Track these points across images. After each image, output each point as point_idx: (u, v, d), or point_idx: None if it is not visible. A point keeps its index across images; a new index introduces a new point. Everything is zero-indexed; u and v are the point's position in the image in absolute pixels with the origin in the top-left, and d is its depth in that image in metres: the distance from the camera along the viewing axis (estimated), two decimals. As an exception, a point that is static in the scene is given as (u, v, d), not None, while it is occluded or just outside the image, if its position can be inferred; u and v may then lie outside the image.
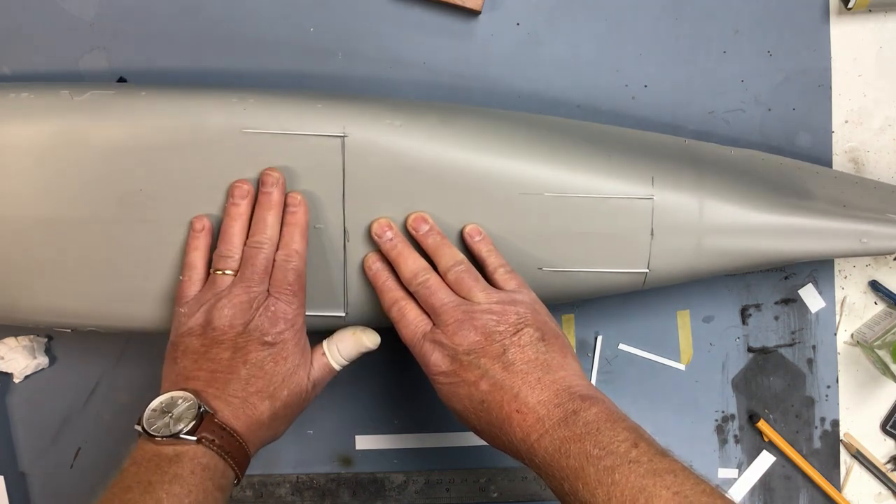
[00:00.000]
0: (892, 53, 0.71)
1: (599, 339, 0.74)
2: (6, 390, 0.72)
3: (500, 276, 0.58)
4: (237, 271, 0.57)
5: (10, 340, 0.71)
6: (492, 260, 0.59)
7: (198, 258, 0.58)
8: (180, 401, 0.52)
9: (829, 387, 0.75)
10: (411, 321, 0.57)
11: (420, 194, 0.59)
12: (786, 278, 0.74)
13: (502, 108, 0.68)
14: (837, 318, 0.74)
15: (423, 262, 0.58)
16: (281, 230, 0.58)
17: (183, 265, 0.59)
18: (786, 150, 0.72)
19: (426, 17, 0.69)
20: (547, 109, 0.71)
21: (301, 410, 0.59)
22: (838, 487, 0.75)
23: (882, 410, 0.75)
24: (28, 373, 0.72)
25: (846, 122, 0.72)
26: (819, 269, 0.74)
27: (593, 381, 0.74)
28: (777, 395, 0.75)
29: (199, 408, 0.52)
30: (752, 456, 0.75)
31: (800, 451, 0.75)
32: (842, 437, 0.75)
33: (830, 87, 0.72)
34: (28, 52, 0.68)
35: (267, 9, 0.69)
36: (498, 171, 0.59)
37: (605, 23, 0.70)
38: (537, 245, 0.61)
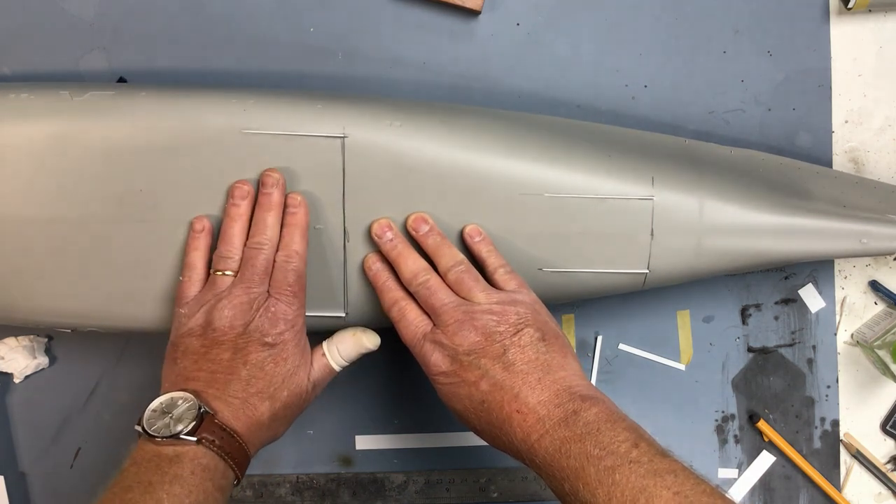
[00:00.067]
0: (892, 53, 0.71)
1: (599, 339, 0.74)
2: (6, 390, 0.72)
3: (500, 276, 0.58)
4: (237, 272, 0.57)
5: (10, 340, 0.71)
6: (492, 260, 0.59)
7: (198, 259, 0.58)
8: (180, 401, 0.52)
9: (829, 387, 0.75)
10: (411, 321, 0.57)
11: (420, 195, 0.59)
12: (786, 278, 0.74)
13: (502, 108, 0.68)
14: (837, 318, 0.74)
15: (423, 263, 0.58)
16: (281, 231, 0.58)
17: (183, 266, 0.59)
18: (786, 150, 0.72)
19: (426, 17, 0.69)
20: (547, 109, 0.71)
21: (301, 411, 0.59)
22: (838, 487, 0.75)
23: (882, 410, 0.75)
24: (28, 373, 0.72)
25: (846, 122, 0.72)
26: (819, 269, 0.74)
27: (593, 381, 0.74)
28: (777, 395, 0.75)
29: (200, 408, 0.52)
30: (752, 456, 0.75)
31: (800, 451, 0.75)
32: (842, 437, 0.75)
33: (830, 87, 0.72)
34: (28, 52, 0.68)
35: (267, 9, 0.68)
36: (498, 171, 0.59)
37: (605, 23, 0.70)
38: (537, 245, 0.61)
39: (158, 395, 0.53)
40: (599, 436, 0.49)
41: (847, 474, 0.75)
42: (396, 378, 0.74)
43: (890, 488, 0.75)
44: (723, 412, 0.75)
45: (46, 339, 0.72)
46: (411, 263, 0.58)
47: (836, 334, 0.75)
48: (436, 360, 0.55)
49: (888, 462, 0.75)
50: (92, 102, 0.58)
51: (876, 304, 0.74)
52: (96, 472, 0.73)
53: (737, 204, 0.62)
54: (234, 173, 0.58)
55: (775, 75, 0.71)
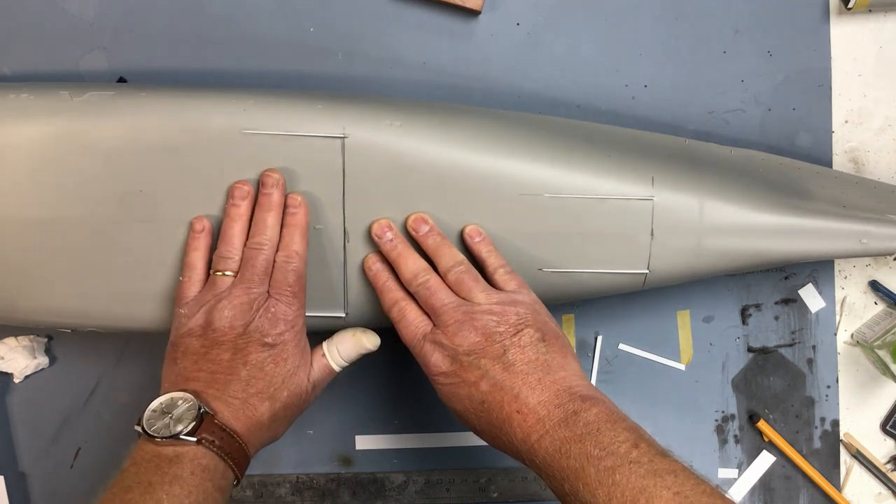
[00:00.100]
0: (892, 53, 0.71)
1: (599, 339, 0.74)
2: (6, 390, 0.72)
3: (500, 276, 0.58)
4: (237, 272, 0.57)
5: (10, 340, 0.71)
6: (492, 260, 0.59)
7: (198, 259, 0.58)
8: (180, 402, 0.52)
9: (829, 387, 0.75)
10: (411, 322, 0.57)
11: (420, 195, 0.59)
12: (786, 278, 0.74)
13: (502, 108, 0.68)
14: (837, 318, 0.74)
15: (423, 263, 0.58)
16: (281, 231, 0.58)
17: (183, 266, 0.59)
18: (786, 150, 0.72)
19: (426, 17, 0.69)
20: (547, 109, 0.71)
21: (301, 412, 0.59)
22: (838, 487, 0.75)
23: (882, 410, 0.75)
24: (28, 373, 0.71)
25: (846, 122, 0.72)
26: (819, 269, 0.74)
27: (593, 381, 0.74)
28: (777, 395, 0.75)
29: (199, 409, 0.52)
30: (752, 456, 0.75)
31: (800, 451, 0.75)
32: (842, 437, 0.75)
33: (830, 87, 0.72)
34: (28, 52, 0.68)
35: (267, 9, 0.68)
36: (498, 171, 0.59)
37: (605, 23, 0.70)
38: (537, 245, 0.61)
39: (158, 396, 0.53)
40: (599, 436, 0.49)
41: (847, 474, 0.75)
42: (396, 378, 0.74)
43: (890, 488, 0.75)
44: (723, 412, 0.75)
45: (46, 339, 0.72)
46: (411, 264, 0.58)
47: (836, 334, 0.75)
48: (436, 360, 0.55)
49: (888, 462, 0.75)
50: (92, 102, 0.58)
51: (876, 304, 0.74)
52: (96, 472, 0.73)
53: (737, 204, 0.62)
54: (234, 173, 0.58)
55: (775, 75, 0.71)
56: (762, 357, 0.74)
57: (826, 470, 0.75)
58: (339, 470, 0.74)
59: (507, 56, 0.70)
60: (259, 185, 0.58)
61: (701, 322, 0.74)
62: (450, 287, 0.57)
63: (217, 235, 0.59)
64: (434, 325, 0.56)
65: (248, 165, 0.58)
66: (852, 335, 0.74)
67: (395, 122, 0.59)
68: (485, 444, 0.56)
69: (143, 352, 0.72)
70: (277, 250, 0.58)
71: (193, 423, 0.51)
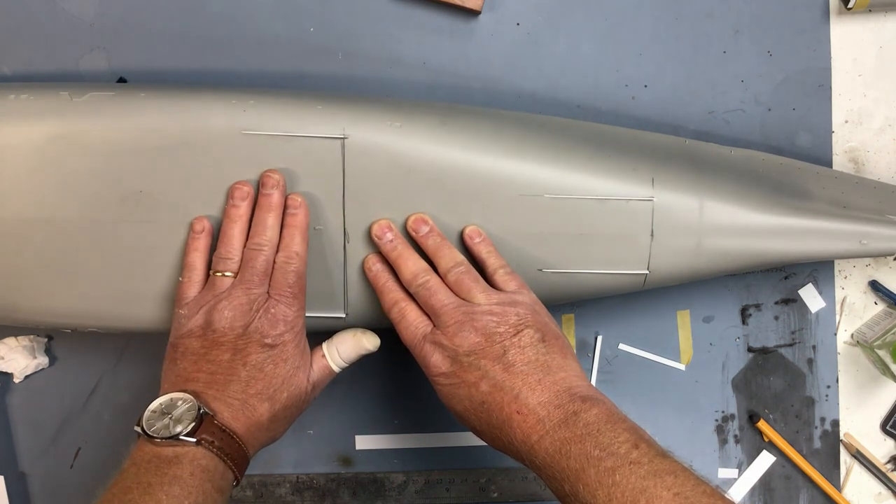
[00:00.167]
0: (892, 53, 0.71)
1: (599, 339, 0.74)
2: (6, 390, 0.72)
3: (500, 277, 0.58)
4: (237, 273, 0.57)
5: (10, 340, 0.71)
6: (492, 261, 0.59)
7: (197, 259, 0.58)
8: (180, 402, 0.52)
9: (829, 387, 0.75)
10: (411, 322, 0.57)
11: (420, 195, 0.59)
12: (786, 278, 0.74)
13: (502, 108, 0.68)
14: (837, 318, 0.74)
15: (423, 264, 0.58)
16: (281, 232, 0.58)
17: (182, 266, 0.59)
18: (786, 150, 0.72)
19: (426, 17, 0.69)
20: (547, 109, 0.71)
21: (300, 412, 0.59)
22: (838, 487, 0.75)
23: (882, 410, 0.75)
24: (28, 373, 0.72)
25: (846, 122, 0.72)
26: (819, 269, 0.74)
27: (593, 381, 0.74)
28: (777, 395, 0.75)
29: (199, 409, 0.52)
30: (752, 456, 0.75)
31: (800, 451, 0.75)
32: (842, 437, 0.75)
33: (830, 87, 0.72)
34: (28, 52, 0.68)
35: (267, 9, 0.68)
36: (498, 172, 0.59)
37: (605, 22, 0.70)
38: (537, 246, 0.61)
39: (158, 396, 0.53)
40: (600, 437, 0.49)
41: (847, 474, 0.75)
42: (396, 378, 0.74)
43: (890, 488, 0.75)
44: (723, 412, 0.75)
45: (46, 339, 0.72)
46: (411, 264, 0.58)
47: (836, 334, 0.75)
48: (436, 360, 0.55)
49: (888, 462, 0.75)
50: (92, 103, 0.58)
51: (876, 304, 0.74)
52: (96, 472, 0.73)
53: (737, 204, 0.62)
54: (234, 174, 0.58)
55: (775, 75, 0.71)
56: (762, 357, 0.74)
57: (826, 470, 0.75)
58: (339, 470, 0.74)
59: (507, 56, 0.70)
60: (259, 186, 0.58)
61: (701, 322, 0.74)
62: (450, 288, 0.57)
63: (217, 236, 0.59)
64: (434, 326, 0.56)
65: (248, 166, 0.58)
66: (852, 335, 0.74)
67: (395, 123, 0.59)
68: (485, 444, 0.56)
69: (143, 352, 0.72)
70: (277, 251, 0.58)
71: (193, 423, 0.51)
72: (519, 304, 0.56)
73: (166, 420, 0.51)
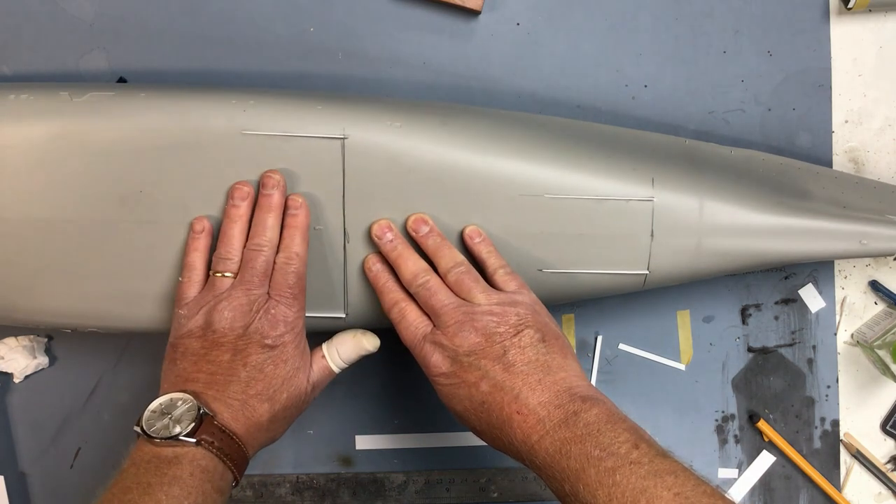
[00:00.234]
0: (892, 53, 0.71)
1: (599, 339, 0.74)
2: (6, 390, 0.72)
3: (500, 277, 0.58)
4: (237, 273, 0.57)
5: (10, 340, 0.71)
6: (492, 261, 0.59)
7: (197, 259, 0.58)
8: (180, 402, 0.52)
9: (829, 387, 0.75)
10: (412, 322, 0.57)
11: (420, 195, 0.59)
12: (786, 278, 0.74)
13: (502, 108, 0.68)
14: (837, 318, 0.74)
15: (423, 264, 0.58)
16: (281, 232, 0.58)
17: (182, 266, 0.59)
18: (786, 150, 0.72)
19: (426, 17, 0.69)
20: (547, 109, 0.71)
21: (300, 413, 0.59)
22: (838, 487, 0.75)
23: (882, 410, 0.75)
24: (28, 373, 0.72)
25: (846, 122, 0.72)
26: (819, 269, 0.74)
27: (593, 381, 0.74)
28: (777, 395, 0.75)
29: (199, 410, 0.52)
30: (752, 456, 0.75)
31: (800, 451, 0.75)
32: (842, 437, 0.75)
33: (830, 87, 0.72)
34: (28, 52, 0.68)
35: (267, 9, 0.68)
36: (498, 172, 0.59)
37: (605, 22, 0.70)
38: (537, 246, 0.61)
39: (158, 396, 0.53)
40: (600, 437, 0.49)
41: (847, 474, 0.75)
42: (396, 378, 0.74)
43: (890, 488, 0.75)
44: (723, 412, 0.75)
45: (46, 339, 0.72)
46: (411, 264, 0.58)
47: (836, 334, 0.75)
48: (436, 361, 0.55)
49: (888, 462, 0.75)
50: (92, 103, 0.58)
51: (876, 304, 0.74)
52: (96, 472, 0.73)
53: (737, 204, 0.62)
54: (234, 174, 0.58)
55: (775, 75, 0.71)
56: (762, 357, 0.74)
57: (826, 470, 0.75)
58: (339, 470, 0.74)
59: (507, 56, 0.70)
60: (259, 186, 0.58)
61: (701, 322, 0.74)
62: (450, 288, 0.57)
63: (217, 236, 0.59)
64: (434, 326, 0.56)
65: (248, 166, 0.58)
66: (852, 335, 0.74)
67: (395, 123, 0.59)
68: (485, 444, 0.56)
69: (143, 352, 0.72)
70: (277, 252, 0.58)
71: (193, 424, 0.51)
72: (519, 304, 0.56)
73: (166, 420, 0.51)
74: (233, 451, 0.52)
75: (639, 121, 0.71)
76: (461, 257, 0.58)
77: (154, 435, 0.51)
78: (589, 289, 0.63)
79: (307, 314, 0.59)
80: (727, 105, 0.71)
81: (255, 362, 0.55)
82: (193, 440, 0.51)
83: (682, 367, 0.74)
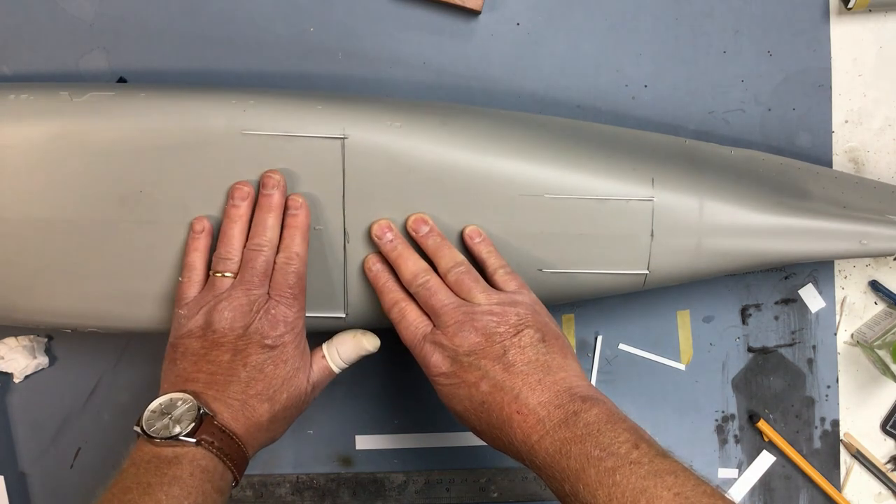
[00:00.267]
0: (892, 53, 0.71)
1: (599, 339, 0.74)
2: (6, 390, 0.72)
3: (500, 277, 0.58)
4: (237, 273, 0.57)
5: (10, 340, 0.71)
6: (492, 261, 0.59)
7: (197, 259, 0.58)
8: (180, 402, 0.52)
9: (829, 387, 0.75)
10: (412, 322, 0.57)
11: (420, 195, 0.59)
12: (786, 278, 0.74)
13: (502, 108, 0.68)
14: (837, 318, 0.74)
15: (423, 264, 0.58)
16: (281, 233, 0.58)
17: (182, 266, 0.59)
18: (786, 150, 0.72)
19: (426, 17, 0.69)
20: (547, 109, 0.71)
21: (300, 413, 0.59)
22: (838, 487, 0.75)
23: (882, 410, 0.75)
24: (28, 373, 0.72)
25: (846, 122, 0.72)
26: (819, 269, 0.74)
27: (593, 381, 0.74)
28: (777, 395, 0.75)
29: (199, 410, 0.52)
30: (752, 456, 0.75)
31: (800, 451, 0.75)
32: (842, 437, 0.75)
33: (830, 87, 0.72)
34: (28, 52, 0.68)
35: (267, 9, 0.68)
36: (498, 172, 0.59)
37: (605, 23, 0.70)
38: (537, 246, 0.61)
39: (158, 396, 0.53)
40: (600, 437, 0.49)
41: (847, 474, 0.75)
42: (396, 378, 0.74)
43: (890, 488, 0.75)
44: (723, 412, 0.75)
45: (46, 339, 0.72)
46: (411, 264, 0.58)
47: (836, 334, 0.75)
48: (436, 360, 0.55)
49: (888, 462, 0.75)
50: (92, 103, 0.58)
51: (876, 304, 0.74)
52: (96, 472, 0.73)
53: (737, 204, 0.62)
54: (234, 174, 0.58)
55: (775, 75, 0.71)
56: (762, 357, 0.74)
57: (826, 470, 0.75)
58: (339, 470, 0.74)
59: (507, 56, 0.70)
60: (260, 186, 0.58)
61: (701, 322, 0.74)
62: (450, 288, 0.57)
63: (217, 236, 0.58)
64: (434, 326, 0.56)
65: (248, 166, 0.58)
66: (852, 335, 0.74)
67: (395, 123, 0.59)
68: (485, 444, 0.56)
69: (143, 352, 0.72)
70: (278, 252, 0.58)
71: (193, 424, 0.51)
72: (519, 304, 0.56)
73: (166, 420, 0.51)
74: (233, 451, 0.52)
75: (639, 121, 0.71)
76: (461, 257, 0.58)
77: (154, 435, 0.51)
78: (589, 289, 0.63)
79: (307, 314, 0.59)
80: (727, 105, 0.71)
81: (255, 362, 0.55)
82: (193, 440, 0.51)
83: (682, 367, 0.74)
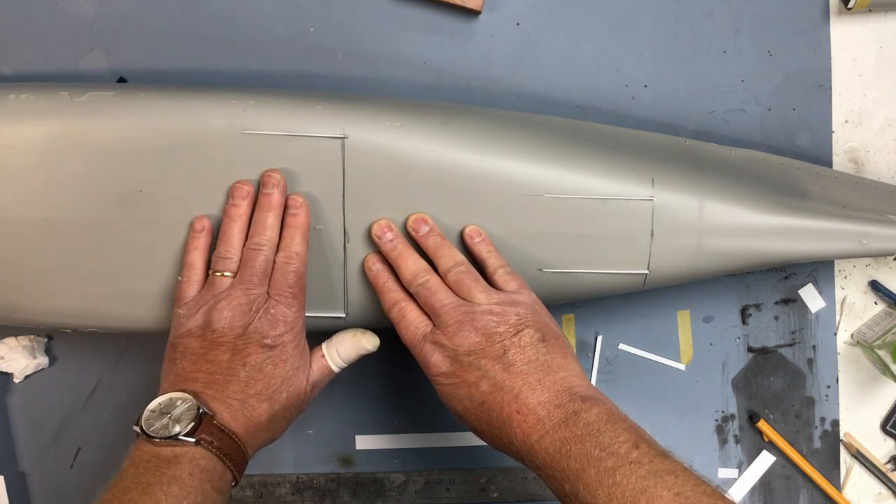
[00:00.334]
0: (892, 53, 0.71)
1: (599, 339, 0.74)
2: (6, 390, 0.72)
3: (500, 276, 0.58)
4: (236, 273, 0.57)
5: (10, 340, 0.71)
6: (492, 261, 0.59)
7: (197, 258, 0.58)
8: (179, 402, 0.52)
9: (829, 387, 0.75)
10: (412, 322, 0.57)
11: (420, 195, 0.59)
12: (786, 278, 0.74)
13: (502, 108, 0.68)
14: (837, 318, 0.74)
15: (423, 264, 0.58)
16: (281, 232, 0.58)
17: (182, 265, 0.59)
18: (786, 150, 0.72)
19: (426, 17, 0.69)
20: (547, 109, 0.71)
21: (300, 412, 0.59)
22: (838, 487, 0.75)
23: (882, 410, 0.75)
24: (28, 373, 0.72)
25: (846, 122, 0.72)
26: (819, 269, 0.74)
27: (593, 381, 0.74)
28: (777, 395, 0.75)
29: (198, 409, 0.52)
30: (752, 456, 0.75)
31: (800, 451, 0.75)
32: (842, 437, 0.75)
33: (830, 87, 0.72)
34: (28, 52, 0.68)
35: (267, 9, 0.68)
36: (498, 171, 0.59)
37: (605, 23, 0.70)
38: (537, 246, 0.61)
39: (157, 396, 0.53)
40: (600, 436, 0.49)
41: (847, 474, 0.75)
42: (396, 378, 0.74)
43: (890, 488, 0.75)
44: (723, 412, 0.75)
45: (46, 339, 0.72)
46: (411, 264, 0.58)
47: (836, 334, 0.75)
48: (436, 360, 0.55)
49: (888, 462, 0.75)
50: (92, 102, 0.58)
51: (876, 304, 0.74)
52: (96, 472, 0.73)
53: (737, 204, 0.62)
54: (234, 174, 0.58)
55: (775, 75, 0.71)
56: (762, 357, 0.74)
57: (826, 470, 0.75)
58: (339, 470, 0.74)
59: (507, 56, 0.70)
60: (260, 186, 0.58)
61: (701, 322, 0.74)
62: (450, 287, 0.57)
63: (217, 235, 0.58)
64: (434, 326, 0.56)
65: (248, 166, 0.58)
66: (852, 335, 0.74)
67: (395, 123, 0.59)
68: (485, 444, 0.56)
69: (143, 352, 0.72)
70: (277, 251, 0.57)
71: (192, 423, 0.51)
72: (519, 303, 0.56)
73: (165, 420, 0.51)
74: (232, 451, 0.52)
75: (639, 121, 0.71)
76: (461, 257, 0.58)
77: (153, 435, 0.51)
78: (589, 289, 0.63)
79: (307, 314, 0.59)
80: (727, 105, 0.71)
81: (255, 362, 0.55)
82: (193, 440, 0.51)
83: (682, 367, 0.74)
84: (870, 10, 0.70)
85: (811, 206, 0.63)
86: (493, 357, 0.53)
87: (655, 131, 0.69)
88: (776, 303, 0.74)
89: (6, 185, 0.58)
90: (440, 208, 0.59)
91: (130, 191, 0.58)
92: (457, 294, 0.56)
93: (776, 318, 0.74)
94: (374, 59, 0.69)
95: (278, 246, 0.58)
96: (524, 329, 0.54)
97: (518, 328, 0.54)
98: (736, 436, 0.75)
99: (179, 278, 0.58)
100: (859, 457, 0.75)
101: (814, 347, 0.74)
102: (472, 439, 0.74)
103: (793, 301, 0.74)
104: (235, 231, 0.57)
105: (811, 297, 0.74)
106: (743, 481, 0.75)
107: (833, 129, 0.72)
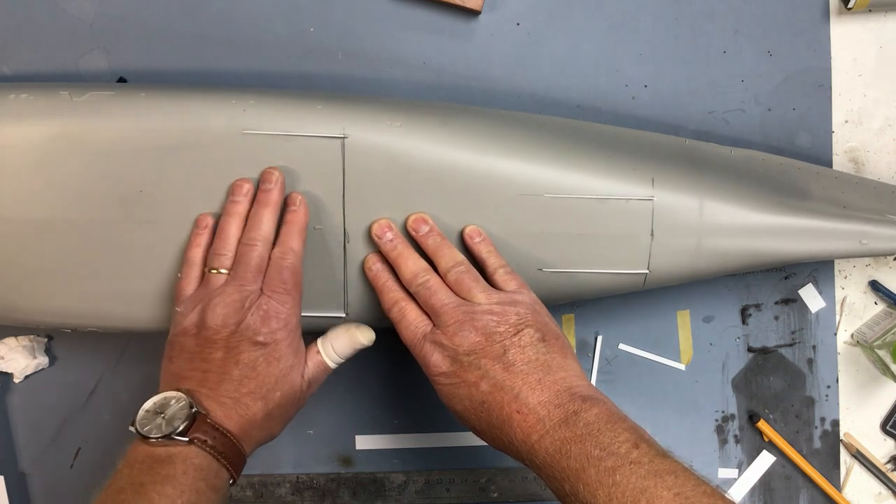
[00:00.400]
0: (892, 53, 0.71)
1: (599, 339, 0.74)
2: (6, 390, 0.72)
3: (500, 276, 0.58)
4: (231, 269, 0.57)
5: (10, 340, 0.71)
6: (492, 261, 0.59)
7: (197, 255, 0.58)
8: (173, 401, 0.52)
9: (829, 387, 0.75)
10: (412, 322, 0.57)
11: (420, 195, 0.59)
12: (786, 278, 0.74)
13: (502, 108, 0.68)
14: (837, 318, 0.74)
15: (423, 263, 0.58)
16: (279, 229, 0.58)
17: (182, 262, 0.59)
18: (786, 150, 0.72)
19: (426, 17, 0.69)
20: (547, 109, 0.71)
21: (297, 410, 0.59)
22: (838, 487, 0.75)
23: (882, 410, 0.75)
24: (28, 373, 0.72)
25: (846, 122, 0.72)
26: (819, 269, 0.74)
27: (593, 381, 0.74)
28: (777, 395, 0.75)
29: (192, 408, 0.51)
30: (752, 456, 0.75)
31: (800, 451, 0.75)
32: (842, 437, 0.75)
33: (830, 87, 0.72)
34: (28, 52, 0.68)
35: (267, 9, 0.68)
36: (498, 171, 0.59)
37: (605, 23, 0.70)
38: (537, 246, 0.61)
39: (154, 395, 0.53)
40: (600, 436, 0.49)
41: (847, 474, 0.75)
42: (396, 378, 0.74)
43: (890, 488, 0.75)
44: (723, 412, 0.75)
45: (46, 339, 0.72)
46: (411, 264, 0.58)
47: (836, 334, 0.75)
48: (436, 360, 0.55)
49: (888, 462, 0.75)
50: (92, 102, 0.58)
51: (876, 304, 0.74)
52: (96, 472, 0.73)
53: (737, 204, 0.62)
54: (235, 174, 0.58)
55: (775, 75, 0.71)
56: (762, 357, 0.74)
57: (826, 470, 0.75)
58: (339, 470, 0.74)
59: (507, 56, 0.70)
60: (259, 183, 0.58)
61: (701, 322, 0.74)
62: (450, 287, 0.57)
63: (217, 234, 0.59)
64: (434, 326, 0.56)
65: (248, 166, 0.58)
66: (852, 335, 0.74)
67: (395, 123, 0.59)
68: (485, 444, 0.56)
69: (143, 352, 0.72)
70: (274, 247, 0.57)
71: (186, 422, 0.51)
72: (519, 303, 0.56)
73: (159, 420, 0.51)
74: (227, 449, 0.52)
75: (639, 121, 0.71)
76: (461, 257, 0.58)
77: (148, 435, 0.51)
78: (589, 288, 0.63)
79: (307, 314, 0.59)
80: (727, 105, 0.71)
81: (247, 360, 0.55)
82: (186, 439, 0.50)
83: (682, 367, 0.74)
84: (870, 10, 0.70)
85: (811, 206, 0.63)
86: (493, 357, 0.53)
87: (655, 131, 0.69)
88: (776, 303, 0.74)
89: (6, 185, 0.58)
90: (440, 208, 0.59)
91: (130, 191, 0.58)
92: (457, 294, 0.56)
93: (776, 318, 0.74)
94: (374, 59, 0.69)
95: (274, 242, 0.57)
96: (524, 329, 0.54)
97: (518, 328, 0.54)
98: (736, 436, 0.75)
99: (178, 275, 0.58)
100: (859, 457, 0.75)
101: (814, 347, 0.74)
102: (472, 439, 0.74)
103: (793, 301, 0.74)
104: (232, 228, 0.57)
105: (811, 297, 0.74)
106: (743, 481, 0.75)
107: (833, 129, 0.72)
